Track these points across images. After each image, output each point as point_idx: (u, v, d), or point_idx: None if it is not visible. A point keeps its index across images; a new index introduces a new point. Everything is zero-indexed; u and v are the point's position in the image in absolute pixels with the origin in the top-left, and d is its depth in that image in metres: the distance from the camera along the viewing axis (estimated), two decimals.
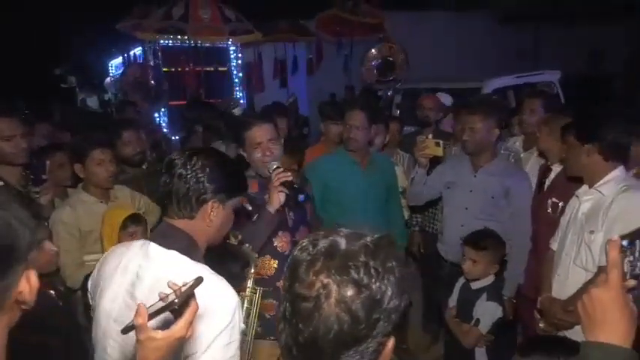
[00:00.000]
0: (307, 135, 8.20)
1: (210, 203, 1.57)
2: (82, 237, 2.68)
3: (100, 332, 1.57)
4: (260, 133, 2.43)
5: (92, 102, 20.44)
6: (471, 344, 2.68)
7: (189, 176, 1.54)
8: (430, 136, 3.25)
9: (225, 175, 1.61)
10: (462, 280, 2.85)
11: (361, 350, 0.91)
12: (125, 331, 1.15)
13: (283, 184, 2.29)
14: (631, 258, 1.07)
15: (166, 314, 1.16)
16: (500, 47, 11.80)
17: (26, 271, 0.87)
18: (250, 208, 2.40)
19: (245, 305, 1.81)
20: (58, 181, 3.01)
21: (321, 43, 8.40)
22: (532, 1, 12.18)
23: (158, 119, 7.20)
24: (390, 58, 7.11)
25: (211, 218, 1.58)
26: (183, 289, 1.16)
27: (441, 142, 3.16)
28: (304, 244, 0.96)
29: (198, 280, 1.19)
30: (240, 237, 1.82)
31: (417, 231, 4.06)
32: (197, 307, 1.20)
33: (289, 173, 2.36)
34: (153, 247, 1.55)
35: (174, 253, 1.53)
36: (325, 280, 0.89)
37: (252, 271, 1.85)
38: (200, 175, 1.55)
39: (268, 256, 2.49)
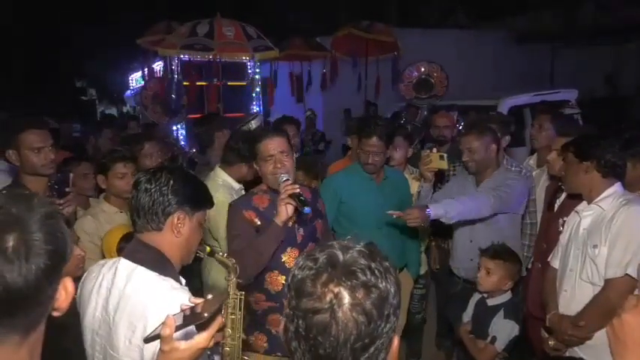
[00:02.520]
0: (324, 151, 8.28)
1: (176, 214, 1.64)
2: None
3: (88, 346, 1.68)
4: (272, 145, 2.43)
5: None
6: None
7: (153, 190, 1.63)
8: (435, 149, 3.27)
9: (189, 188, 1.69)
10: (477, 296, 2.85)
11: (376, 348, 0.93)
12: (147, 340, 1.16)
13: (291, 196, 2.26)
14: None
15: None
16: (516, 67, 11.77)
17: (63, 279, 0.92)
18: (259, 223, 2.41)
19: (229, 311, 1.84)
20: (81, 191, 3.09)
21: (336, 61, 8.50)
22: (548, 21, 12.19)
23: (176, 133, 7.32)
24: (424, 76, 7.17)
25: (179, 229, 1.65)
26: (210, 302, 1.18)
27: (445, 155, 3.18)
28: (302, 262, 0.98)
29: (225, 295, 1.22)
30: (209, 248, 1.82)
31: (434, 247, 4.04)
32: (222, 321, 1.24)
33: (297, 185, 2.34)
34: (122, 263, 1.64)
35: (140, 269, 1.60)
36: (336, 289, 0.92)
37: (233, 277, 1.88)
38: (164, 189, 1.63)
39: (276, 272, 2.45)
